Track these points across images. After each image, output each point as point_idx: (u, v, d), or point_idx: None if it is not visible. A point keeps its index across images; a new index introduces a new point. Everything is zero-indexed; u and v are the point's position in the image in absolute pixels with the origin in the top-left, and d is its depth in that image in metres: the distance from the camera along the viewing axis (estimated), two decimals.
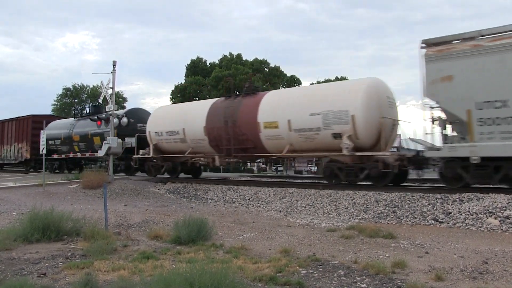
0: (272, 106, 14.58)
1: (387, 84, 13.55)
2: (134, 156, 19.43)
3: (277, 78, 50.57)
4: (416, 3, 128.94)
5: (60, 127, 25.87)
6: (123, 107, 29.06)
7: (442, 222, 9.13)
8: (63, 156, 24.84)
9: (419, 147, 12.58)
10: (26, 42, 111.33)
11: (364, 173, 12.53)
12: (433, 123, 11.30)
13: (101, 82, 17.98)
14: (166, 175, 18.81)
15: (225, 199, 13.78)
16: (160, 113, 19.40)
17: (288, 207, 11.84)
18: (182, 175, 19.26)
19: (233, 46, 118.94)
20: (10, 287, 4.57)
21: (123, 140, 19.30)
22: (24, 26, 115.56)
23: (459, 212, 9.29)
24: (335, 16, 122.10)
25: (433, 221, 9.26)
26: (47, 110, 64.56)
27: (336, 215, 10.68)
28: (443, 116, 11.15)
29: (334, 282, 5.04)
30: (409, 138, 13.35)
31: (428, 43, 11.24)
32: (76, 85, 60.07)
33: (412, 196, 10.62)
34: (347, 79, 49.68)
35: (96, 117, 22.49)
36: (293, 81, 53.14)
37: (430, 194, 10.61)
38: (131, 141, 19.40)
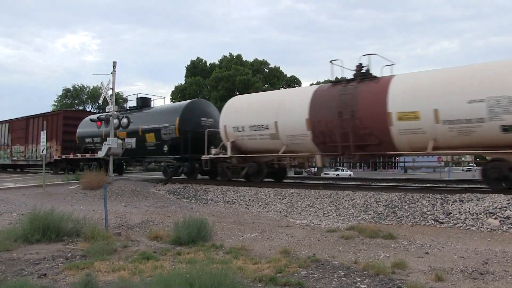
0: (409, 92, 11.79)
1: None
2: (203, 157, 16.60)
3: (277, 79, 50.60)
4: (416, 3, 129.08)
5: (95, 122, 22.46)
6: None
7: (442, 223, 9.12)
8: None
9: None
10: (26, 43, 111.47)
11: None
12: None
13: (101, 82, 17.96)
14: (234, 178, 16.31)
15: (225, 200, 13.78)
16: (239, 104, 16.30)
17: (288, 207, 11.84)
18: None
19: (233, 47, 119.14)
20: (10, 287, 4.57)
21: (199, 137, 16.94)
22: (25, 27, 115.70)
23: (459, 212, 9.29)
24: (335, 17, 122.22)
25: (433, 222, 9.26)
26: (47, 111, 64.19)
27: (336, 215, 10.68)
28: None
29: (334, 283, 5.04)
30: None
31: None
32: (76, 86, 60.22)
33: (412, 197, 10.61)
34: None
35: (135, 108, 20.34)
36: (293, 82, 53.24)
37: (430, 194, 10.60)
38: (131, 141, 19.23)
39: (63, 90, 60.13)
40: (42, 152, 16.05)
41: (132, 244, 7.29)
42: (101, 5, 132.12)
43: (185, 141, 17.15)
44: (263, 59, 52.57)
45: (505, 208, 8.90)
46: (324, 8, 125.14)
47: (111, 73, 17.23)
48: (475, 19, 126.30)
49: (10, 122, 29.94)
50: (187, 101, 19.54)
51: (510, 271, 5.49)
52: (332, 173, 38.85)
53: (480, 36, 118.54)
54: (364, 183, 16.00)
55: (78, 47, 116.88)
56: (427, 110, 11.24)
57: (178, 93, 49.95)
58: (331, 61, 14.03)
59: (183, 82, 53.17)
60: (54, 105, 59.25)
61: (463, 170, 49.50)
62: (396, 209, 10.21)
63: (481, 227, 8.55)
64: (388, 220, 9.79)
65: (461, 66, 12.07)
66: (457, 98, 10.82)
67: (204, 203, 13.89)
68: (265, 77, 50.98)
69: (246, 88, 44.63)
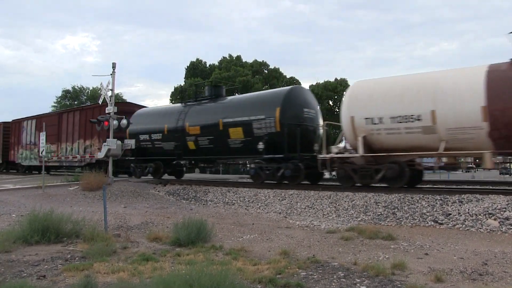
0: None
1: None
2: (321, 156, 13.67)
3: (276, 80, 50.65)
4: (415, 5, 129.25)
5: (156, 116, 19.24)
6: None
7: (441, 224, 9.12)
8: (162, 156, 18.45)
9: None
10: (26, 44, 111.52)
11: None
12: None
13: (101, 84, 17.97)
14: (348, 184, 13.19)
15: (225, 201, 13.77)
16: (373, 89, 12.87)
17: (288, 208, 11.84)
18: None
19: (233, 48, 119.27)
20: None
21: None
22: (25, 28, 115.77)
23: (459, 213, 9.29)
24: (334, 18, 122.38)
25: (432, 223, 9.25)
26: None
27: (336, 216, 10.67)
28: None
29: (333, 284, 5.04)
30: None
31: None
32: (76, 87, 60.25)
33: (412, 198, 10.61)
34: (347, 81, 49.83)
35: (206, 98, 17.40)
36: (292, 83, 53.28)
37: (430, 195, 10.60)
38: (131, 142, 19.09)
39: (63, 91, 60.26)
40: (41, 153, 16.04)
41: (132, 245, 7.28)
42: (101, 6, 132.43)
43: (290, 136, 13.96)
44: (263, 60, 52.62)
45: (504, 209, 8.91)
46: (323, 9, 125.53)
47: (111, 74, 17.26)
48: (474, 20, 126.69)
49: (38, 118, 26.92)
50: (287, 88, 15.82)
51: (510, 272, 5.49)
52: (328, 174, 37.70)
53: (479, 37, 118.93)
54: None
55: (78, 48, 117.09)
56: None
57: (178, 94, 49.98)
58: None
59: (182, 83, 53.18)
60: (54, 106, 59.30)
61: (462, 171, 49.49)
62: (396, 210, 10.21)
63: (480, 228, 8.56)
64: (388, 221, 9.79)
65: None
66: None
67: (203, 204, 13.88)
68: (264, 78, 51.01)
69: (246, 89, 44.65)
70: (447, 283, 5.05)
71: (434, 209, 9.77)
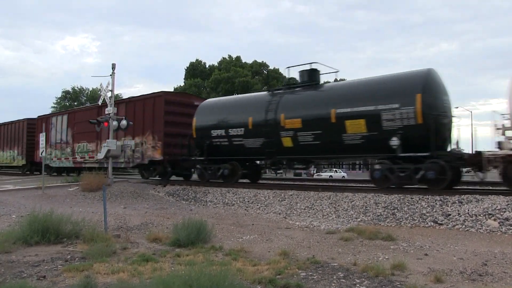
0: None
1: None
2: (488, 153, 11.19)
3: (276, 80, 50.68)
4: (415, 5, 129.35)
5: (235, 108, 15.97)
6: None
7: (441, 224, 9.13)
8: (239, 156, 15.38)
9: None
10: (26, 44, 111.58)
11: None
12: None
13: (101, 84, 17.93)
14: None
15: (225, 202, 13.77)
16: None
17: (288, 209, 11.84)
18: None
19: (233, 49, 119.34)
20: None
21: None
22: (24, 28, 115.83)
23: (459, 213, 9.30)
24: (334, 19, 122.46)
25: (432, 223, 9.26)
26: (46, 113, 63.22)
27: (336, 217, 10.68)
28: None
29: (333, 284, 5.04)
30: None
31: None
32: (76, 88, 60.28)
33: (412, 198, 10.62)
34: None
35: None
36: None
37: (429, 196, 10.61)
38: (131, 143, 18.95)
39: (62, 92, 60.27)
40: (41, 154, 16.03)
41: (132, 246, 7.28)
42: (100, 7, 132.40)
43: (435, 130, 11.41)
44: (263, 61, 52.75)
45: (504, 210, 8.91)
46: (323, 10, 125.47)
47: (110, 75, 17.26)
48: (474, 21, 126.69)
49: (71, 113, 23.80)
50: (423, 70, 12.45)
51: (509, 273, 5.50)
52: (325, 175, 37.30)
53: (479, 38, 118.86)
54: (363, 185, 15.99)
55: (77, 49, 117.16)
56: None
57: None
58: None
59: (182, 83, 53.22)
60: (53, 107, 59.30)
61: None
62: (395, 210, 10.22)
63: (480, 229, 8.56)
64: (387, 222, 9.79)
65: None
66: None
67: (203, 205, 13.87)
68: (264, 78, 51.05)
69: (246, 90, 44.69)
70: (447, 284, 5.05)
71: (434, 210, 9.78)
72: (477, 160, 11.44)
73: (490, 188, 13.43)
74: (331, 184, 17.14)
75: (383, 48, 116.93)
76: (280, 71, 52.42)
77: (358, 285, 4.99)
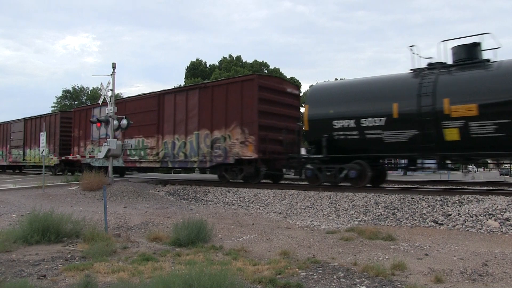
0: None
1: None
2: None
3: None
4: (416, 5, 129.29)
5: (368, 92, 12.68)
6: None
7: (441, 224, 9.12)
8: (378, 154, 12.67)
9: None
10: (26, 44, 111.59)
11: None
12: None
13: (101, 84, 17.96)
14: None
15: (225, 201, 13.77)
16: None
17: (288, 209, 11.84)
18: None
19: (233, 48, 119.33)
20: None
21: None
22: (25, 28, 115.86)
23: (459, 214, 9.29)
24: (334, 19, 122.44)
25: (432, 223, 9.25)
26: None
27: (336, 217, 10.68)
28: None
29: (333, 284, 5.04)
30: None
31: None
32: (76, 87, 60.29)
33: (412, 198, 10.61)
34: None
35: None
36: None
37: (430, 196, 10.60)
38: (131, 143, 18.96)
39: (63, 91, 60.27)
40: (41, 153, 16.01)
41: (132, 245, 7.29)
42: (101, 7, 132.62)
43: None
44: (263, 61, 52.69)
45: (504, 210, 8.90)
46: (324, 10, 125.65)
47: (111, 74, 17.26)
48: (474, 21, 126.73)
49: (121, 103, 19.69)
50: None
51: (510, 273, 5.49)
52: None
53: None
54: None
55: (78, 49, 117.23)
56: None
57: None
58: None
59: (182, 83, 53.21)
60: (54, 106, 59.32)
61: (462, 172, 49.34)
62: (396, 210, 10.21)
63: (480, 229, 8.55)
64: (388, 222, 9.79)
65: None
66: None
67: (203, 205, 13.88)
68: None
69: None
70: (447, 284, 5.05)
71: (434, 210, 9.77)
72: None
73: (491, 188, 13.45)
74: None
75: (383, 48, 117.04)
76: (280, 70, 52.45)
77: (358, 285, 4.99)
